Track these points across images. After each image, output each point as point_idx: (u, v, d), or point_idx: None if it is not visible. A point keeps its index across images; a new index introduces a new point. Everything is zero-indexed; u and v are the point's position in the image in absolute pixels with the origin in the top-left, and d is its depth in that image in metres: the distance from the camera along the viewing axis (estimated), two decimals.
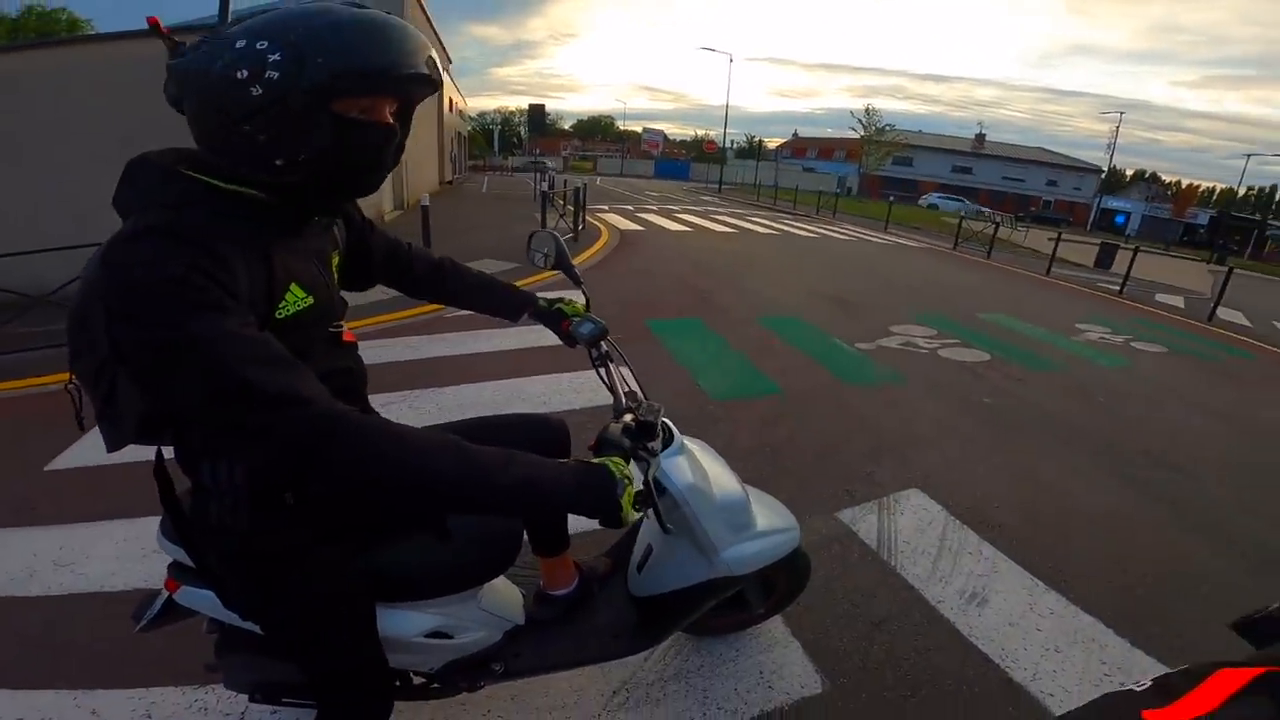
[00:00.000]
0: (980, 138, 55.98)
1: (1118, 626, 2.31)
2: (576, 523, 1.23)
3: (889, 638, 2.16)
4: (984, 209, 35.09)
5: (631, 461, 1.04)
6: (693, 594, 1.53)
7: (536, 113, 24.79)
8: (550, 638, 1.53)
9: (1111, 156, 50.09)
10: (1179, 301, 11.85)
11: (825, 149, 60.25)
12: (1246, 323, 10.55)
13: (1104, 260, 15.63)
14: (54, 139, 6.55)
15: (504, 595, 1.47)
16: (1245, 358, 7.70)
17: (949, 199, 41.65)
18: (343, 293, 1.16)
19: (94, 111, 6.53)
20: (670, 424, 1.42)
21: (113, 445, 0.90)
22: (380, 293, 1.43)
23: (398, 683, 1.39)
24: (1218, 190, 65.08)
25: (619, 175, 45.55)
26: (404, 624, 1.25)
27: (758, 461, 3.35)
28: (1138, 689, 0.48)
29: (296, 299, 0.95)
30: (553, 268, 1.63)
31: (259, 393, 0.77)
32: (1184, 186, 59.54)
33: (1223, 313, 10.34)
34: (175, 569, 1.19)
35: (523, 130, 63.36)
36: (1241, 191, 60.04)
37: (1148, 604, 2.49)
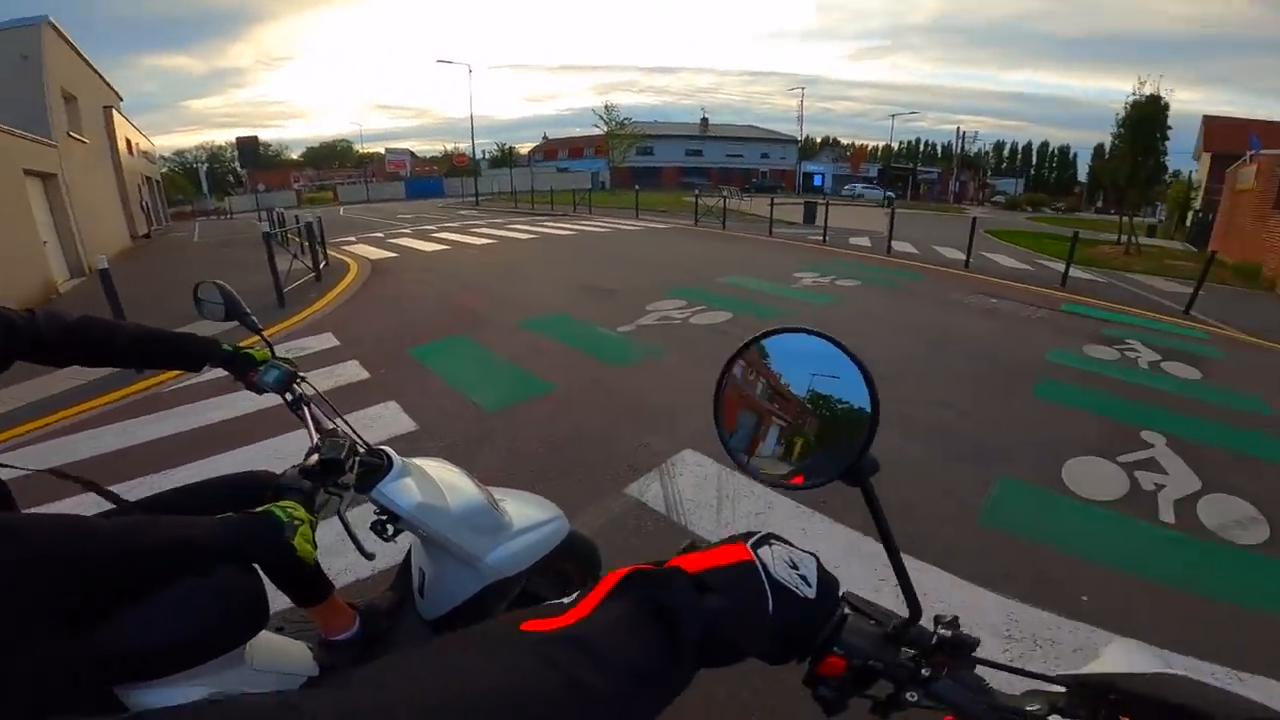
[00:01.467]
0: (705, 122, 62.43)
1: (865, 529, 2.70)
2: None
3: None
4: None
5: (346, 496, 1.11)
6: (477, 603, 1.55)
7: (248, 144, 21.82)
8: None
9: (802, 127, 59.74)
10: (866, 241, 14.58)
11: (575, 148, 62.32)
12: (914, 250, 13.38)
13: (809, 216, 18.60)
14: None
15: (280, 650, 1.41)
16: (916, 279, 9.77)
17: (871, 189, 45.67)
18: None
19: None
20: (389, 450, 1.43)
21: None
22: (76, 375, 1.20)
23: None
24: (880, 147, 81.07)
25: (365, 201, 42.22)
26: (167, 700, 1.13)
27: (542, 459, 3.43)
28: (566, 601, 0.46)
29: None
30: (225, 318, 1.55)
31: None
32: (856, 147, 73.27)
33: (896, 245, 12.97)
34: None
35: (238, 166, 55.34)
36: (896, 146, 75.76)
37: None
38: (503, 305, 7.32)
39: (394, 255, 12.27)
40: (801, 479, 0.65)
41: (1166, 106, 15.90)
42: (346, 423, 1.49)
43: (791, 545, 0.58)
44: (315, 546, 0.99)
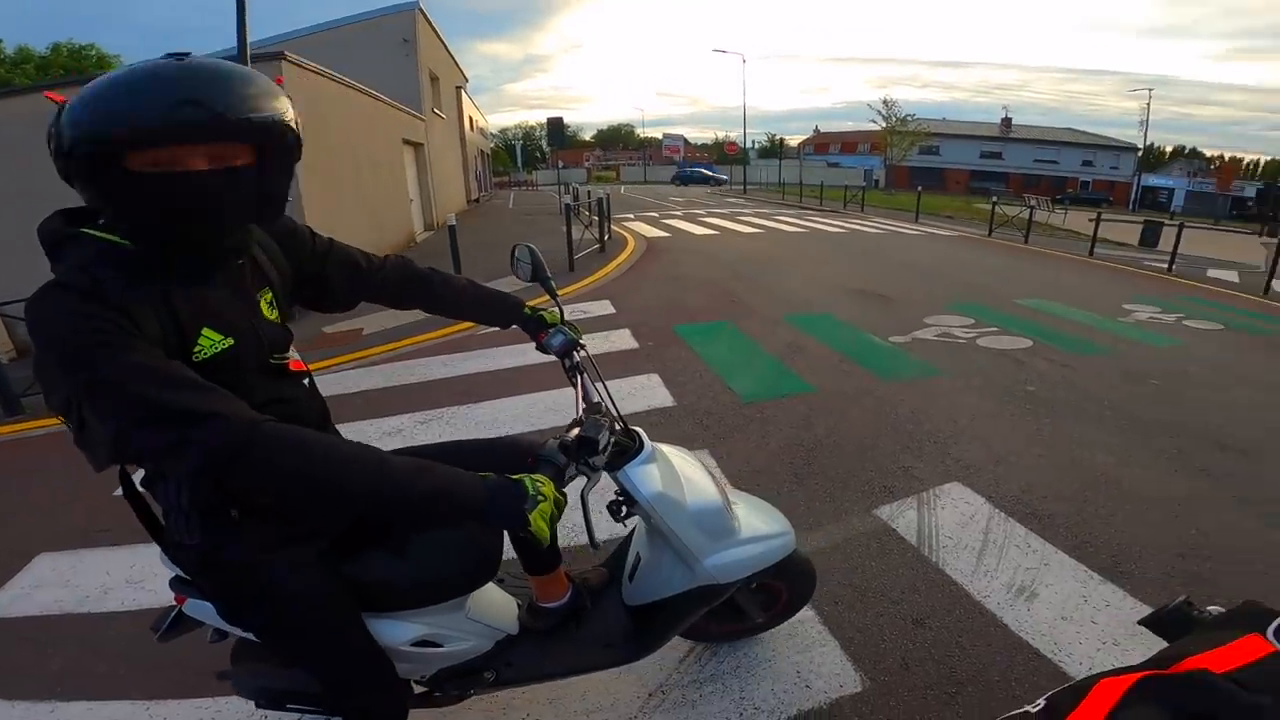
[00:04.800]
0: (1007, 121, 54.43)
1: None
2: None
3: (931, 634, 2.11)
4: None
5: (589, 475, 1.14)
6: (680, 602, 1.53)
7: (556, 125, 24.93)
8: (541, 647, 1.55)
9: (1145, 133, 48.24)
10: (1233, 276, 11.30)
11: (848, 143, 59.40)
12: None
13: (1149, 238, 15.02)
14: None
15: (495, 605, 1.50)
16: None
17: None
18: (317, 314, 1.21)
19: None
20: (641, 433, 1.44)
21: (96, 468, 0.95)
22: (413, 314, 1.48)
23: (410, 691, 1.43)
24: (1261, 162, 62.08)
25: (643, 182, 45.70)
26: (390, 632, 1.28)
27: (792, 461, 3.33)
28: (1032, 710, 0.47)
29: (213, 342, 1.00)
30: (530, 279, 1.66)
31: (170, 411, 0.83)
32: (1225, 160, 56.98)
33: (1278, 285, 9.82)
34: (176, 583, 1.25)
35: (544, 144, 64.15)
36: None
37: (1210, 593, 2.38)
38: (767, 296, 7.28)
39: (667, 235, 13.03)
40: None
41: None
42: (610, 398, 1.50)
43: None
44: (552, 526, 0.99)
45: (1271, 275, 9.87)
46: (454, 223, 7.40)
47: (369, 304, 1.47)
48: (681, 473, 1.49)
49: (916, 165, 47.87)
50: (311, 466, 0.88)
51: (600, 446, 1.19)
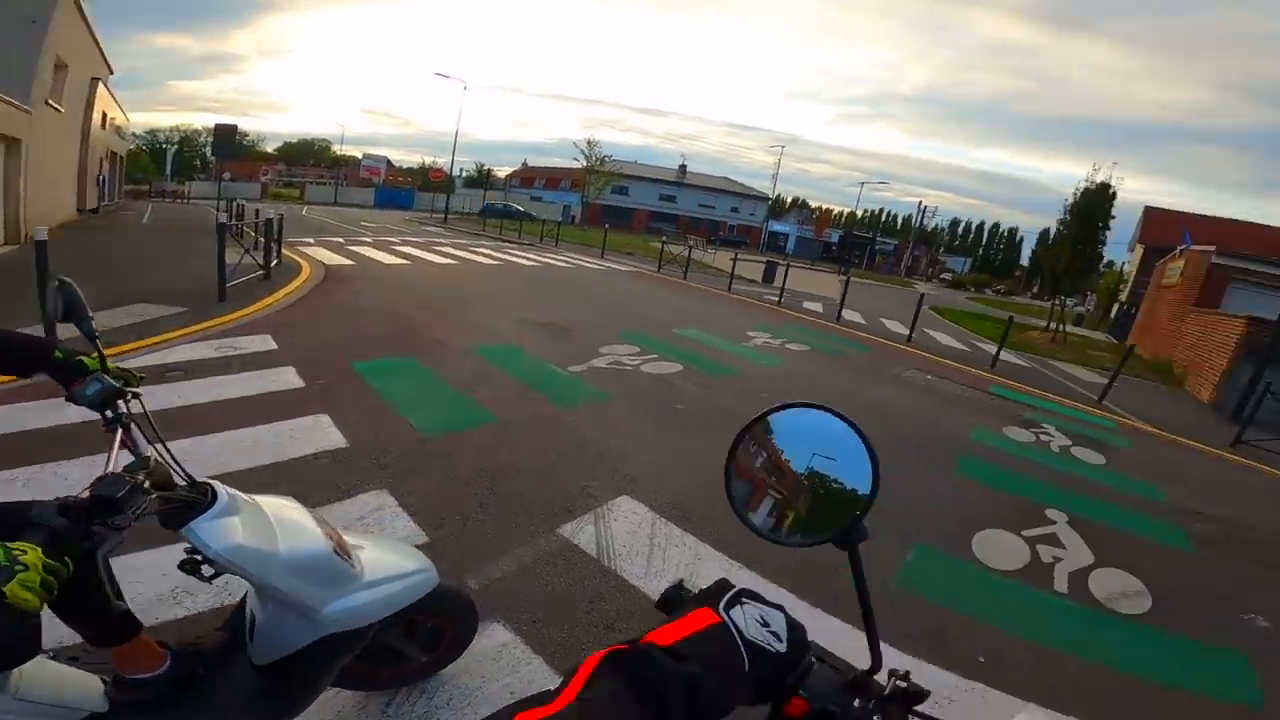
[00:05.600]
0: (683, 169, 63.91)
1: (799, 591, 2.82)
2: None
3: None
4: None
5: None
6: (314, 654, 1.47)
7: (225, 133, 21.05)
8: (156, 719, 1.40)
9: (775, 185, 62.00)
10: (819, 307, 15.15)
11: (552, 178, 62.77)
12: (862, 320, 13.97)
13: (769, 276, 19.23)
14: None
15: (60, 681, 1.30)
16: (862, 350, 10.19)
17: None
18: None
19: None
20: (217, 486, 1.33)
21: None
22: None
23: None
24: (845, 213, 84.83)
25: (332, 204, 41.34)
26: None
27: (478, 492, 3.41)
28: (553, 689, 0.49)
29: None
30: (63, 319, 1.43)
31: None
32: (822, 210, 76.42)
33: (847, 314, 13.52)
34: None
35: (208, 151, 53.53)
36: (860, 213, 79.53)
37: (821, 570, 2.95)
38: (456, 329, 7.27)
39: (350, 263, 12.05)
40: (808, 536, 0.72)
41: (1114, 195, 16.57)
42: (168, 450, 1.35)
43: (761, 601, 0.63)
44: (51, 593, 0.91)
45: (841, 306, 13.55)
46: (44, 237, 5.68)
47: None
48: (278, 521, 1.39)
49: (609, 204, 52.97)
50: None
51: (122, 505, 1.05)
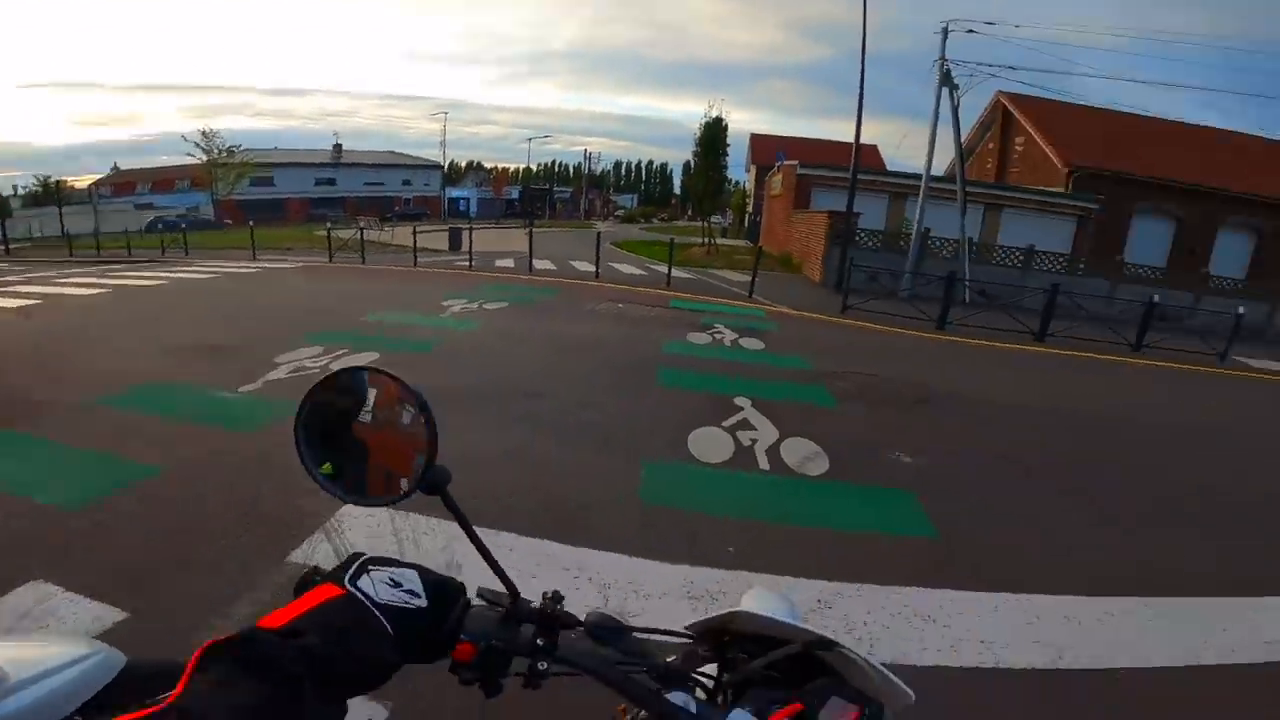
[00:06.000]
0: (338, 148, 57.16)
1: (540, 534, 2.99)
2: None
3: None
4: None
5: None
6: None
7: None
8: None
9: (444, 152, 59.68)
10: (511, 263, 15.45)
11: (163, 180, 50.69)
12: (553, 266, 14.67)
13: (455, 242, 18.81)
14: None
15: None
16: (555, 294, 10.75)
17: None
18: None
19: None
20: None
21: None
22: None
23: None
24: (521, 170, 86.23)
25: None
26: None
27: (162, 553, 2.81)
28: None
29: None
30: None
31: None
32: (499, 170, 76.67)
33: (537, 263, 14.05)
34: None
35: None
36: (534, 167, 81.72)
37: (571, 517, 3.25)
38: (68, 381, 5.60)
39: None
40: (389, 494, 0.70)
41: (726, 126, 20.62)
42: None
43: (393, 563, 0.64)
44: None
45: (531, 257, 14.01)
46: None
47: None
48: None
49: (251, 198, 45.07)
50: None
51: None
